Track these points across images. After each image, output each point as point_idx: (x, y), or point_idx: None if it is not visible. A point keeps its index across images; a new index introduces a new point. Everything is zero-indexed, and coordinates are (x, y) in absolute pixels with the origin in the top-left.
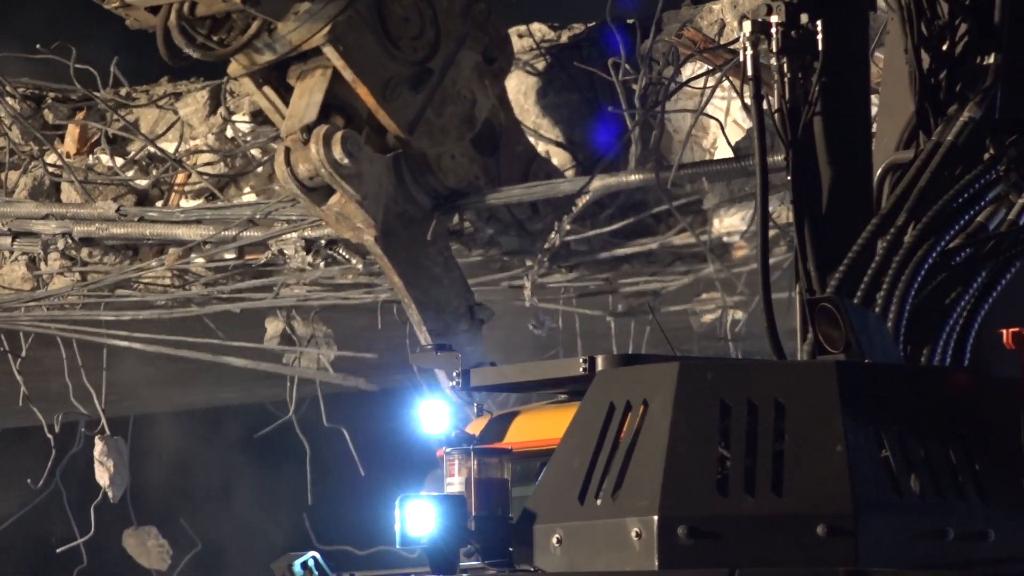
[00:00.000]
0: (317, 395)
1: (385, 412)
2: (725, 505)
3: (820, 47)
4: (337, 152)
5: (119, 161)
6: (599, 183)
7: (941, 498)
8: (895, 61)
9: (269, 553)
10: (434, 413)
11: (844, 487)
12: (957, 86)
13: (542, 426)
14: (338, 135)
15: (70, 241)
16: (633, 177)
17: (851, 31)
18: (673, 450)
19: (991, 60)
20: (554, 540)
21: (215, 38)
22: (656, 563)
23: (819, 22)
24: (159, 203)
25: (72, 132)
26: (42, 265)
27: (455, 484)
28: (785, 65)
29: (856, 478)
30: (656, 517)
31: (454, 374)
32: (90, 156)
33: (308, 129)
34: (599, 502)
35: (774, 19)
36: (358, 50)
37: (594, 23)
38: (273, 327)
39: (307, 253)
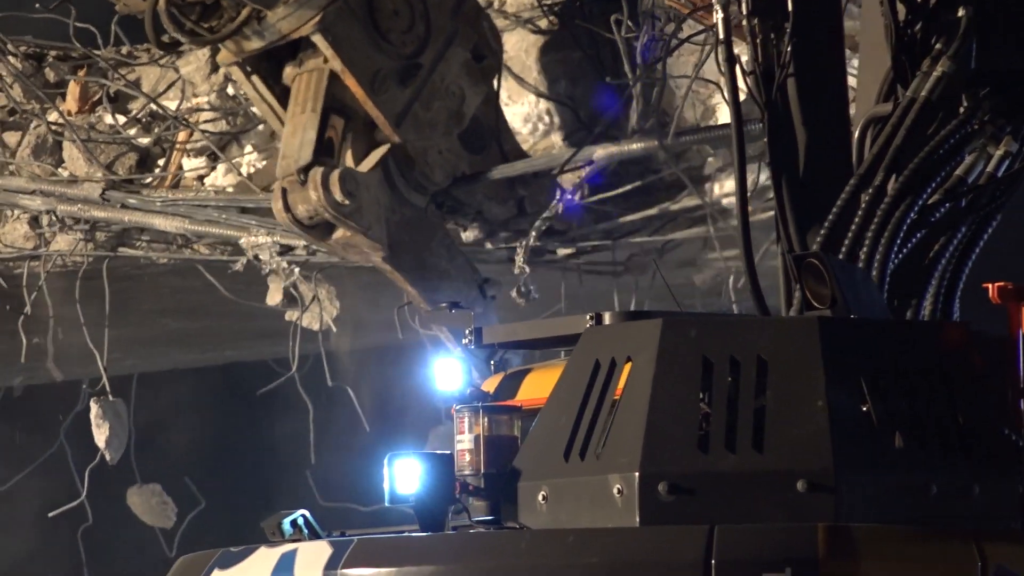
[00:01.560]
0: (320, 353)
1: (389, 370)
2: (706, 462)
3: (790, 7)
4: (337, 194)
5: (121, 119)
6: (602, 152)
7: (924, 453)
8: (872, 14)
9: (273, 511)
10: (448, 370)
11: (825, 443)
12: (931, 40)
13: (551, 383)
14: (335, 176)
15: (54, 217)
16: (635, 145)
17: None
18: (655, 407)
19: (963, 12)
20: (540, 497)
21: (204, 25)
22: (637, 519)
23: None
24: (161, 161)
25: (73, 90)
26: (44, 222)
27: (465, 441)
28: (756, 26)
29: (837, 434)
30: (637, 474)
31: (466, 332)
32: (92, 114)
33: (304, 171)
34: (583, 459)
35: None
36: (347, 41)
37: None
38: (275, 285)
39: (282, 258)
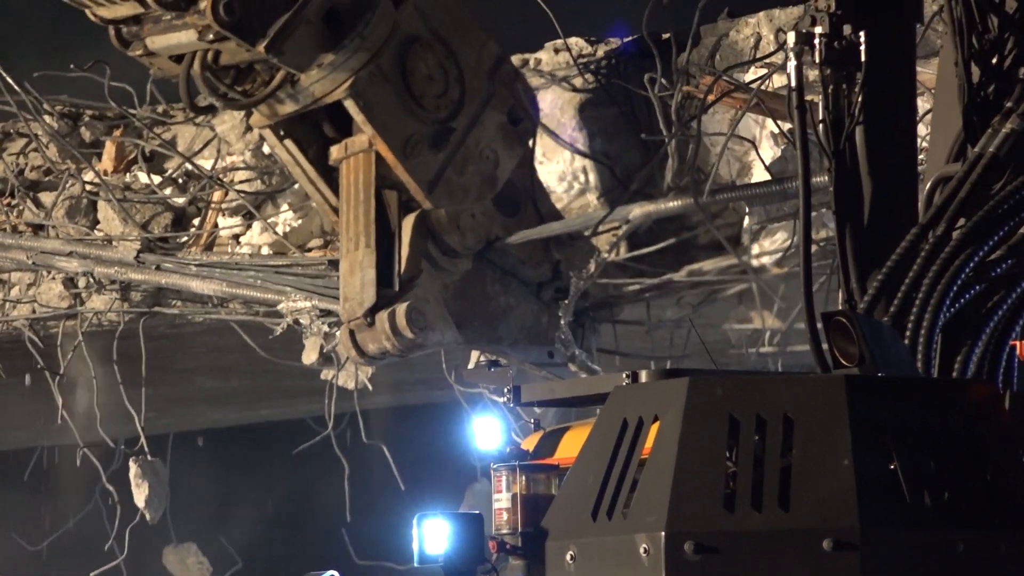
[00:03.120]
0: (356, 411)
1: (425, 428)
2: (732, 521)
3: (863, 58)
4: (407, 332)
5: (156, 179)
6: (638, 211)
7: (951, 512)
8: (947, 74)
9: (308, 569)
10: (487, 429)
11: (851, 501)
12: (1003, 99)
13: None
14: (401, 313)
15: (91, 280)
16: (671, 204)
17: (896, 42)
18: (682, 465)
19: None
20: (568, 557)
21: (239, 88)
22: None
23: (862, 33)
24: (196, 220)
25: (109, 150)
26: (80, 283)
27: (503, 500)
28: (828, 76)
29: (863, 492)
30: (663, 533)
31: (505, 389)
32: (127, 174)
33: (371, 312)
34: (610, 519)
35: (818, 30)
36: (379, 105)
37: (631, 38)
38: (311, 344)
39: (322, 320)
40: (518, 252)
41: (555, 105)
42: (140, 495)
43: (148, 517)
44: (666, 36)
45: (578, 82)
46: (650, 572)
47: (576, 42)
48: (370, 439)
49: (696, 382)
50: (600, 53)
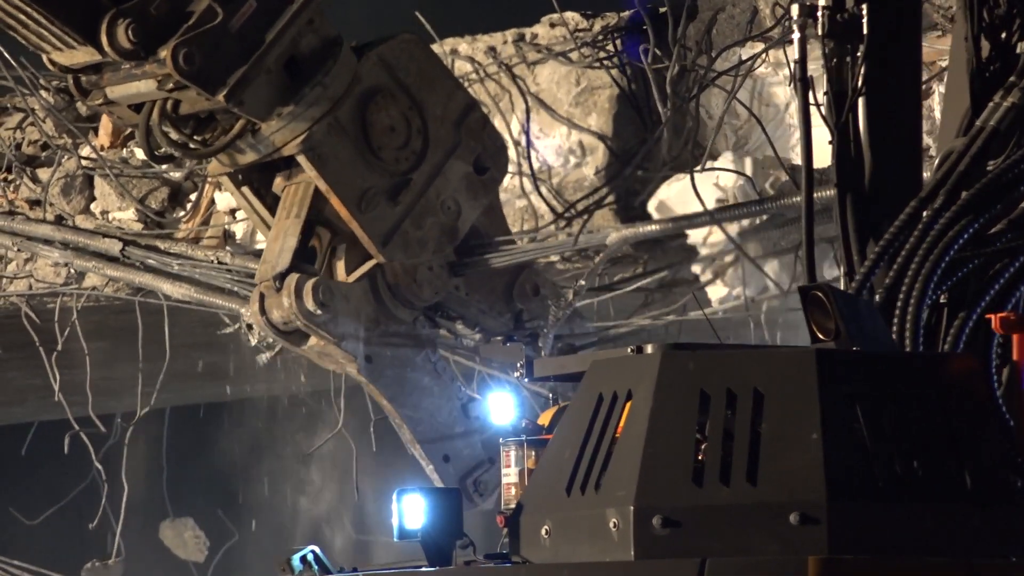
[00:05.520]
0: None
1: None
2: (700, 495)
3: (865, 31)
4: (309, 303)
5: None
6: (615, 235)
7: (920, 484)
8: (958, 50)
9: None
10: (501, 404)
11: (818, 475)
12: (1008, 74)
13: None
14: (309, 285)
15: (72, 271)
16: (651, 227)
17: (899, 16)
18: (652, 440)
19: None
20: (543, 531)
21: (198, 138)
22: (632, 554)
23: (864, 6)
24: (193, 195)
25: (105, 125)
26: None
27: (511, 475)
28: (831, 49)
29: (830, 466)
30: (632, 508)
31: (518, 364)
32: (124, 149)
33: (280, 277)
34: (583, 494)
35: (821, 3)
36: (334, 159)
37: (628, 11)
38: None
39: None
40: (478, 303)
41: (551, 80)
42: None
43: None
44: (663, 10)
45: (574, 56)
46: (619, 547)
47: (572, 16)
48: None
49: (668, 356)
50: (597, 27)
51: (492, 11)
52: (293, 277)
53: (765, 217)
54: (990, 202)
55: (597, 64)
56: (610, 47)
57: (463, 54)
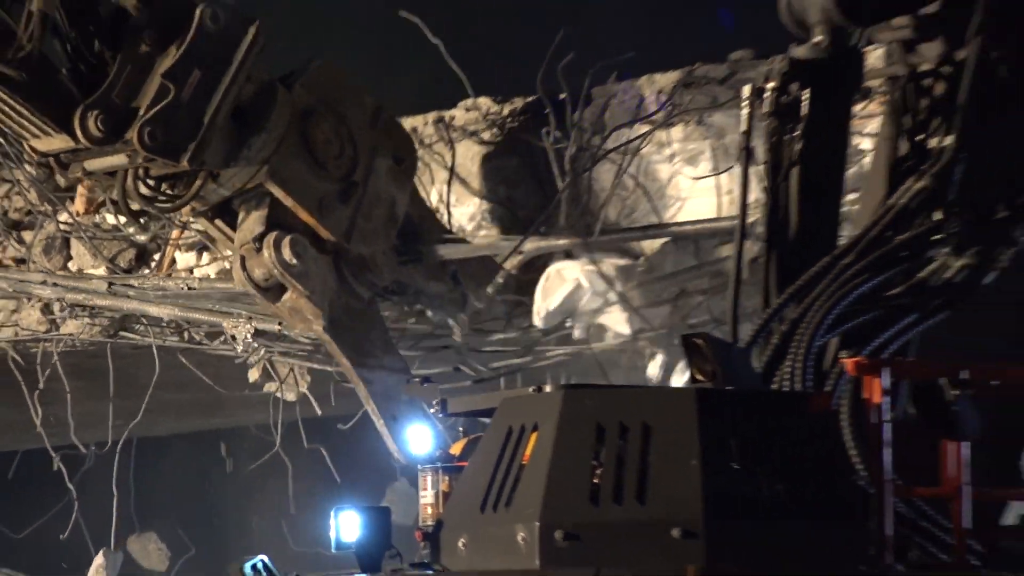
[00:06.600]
0: (297, 420)
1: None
2: (596, 513)
3: (803, 112)
4: (287, 254)
5: (122, 219)
6: (531, 245)
7: (786, 505)
8: (882, 145)
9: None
10: (418, 435)
11: (697, 496)
12: (921, 165)
13: None
14: (287, 239)
15: (65, 306)
16: (561, 241)
17: (834, 103)
18: (555, 466)
19: (947, 143)
20: (460, 544)
21: (169, 192)
22: (537, 563)
23: (806, 91)
24: (157, 255)
25: (81, 194)
26: (55, 309)
27: (428, 496)
28: (773, 125)
29: (707, 488)
30: (538, 523)
31: (434, 402)
32: (96, 215)
33: (260, 238)
34: (496, 511)
35: (770, 85)
36: (292, 179)
37: (532, 97)
38: (256, 367)
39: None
40: (422, 271)
41: (466, 156)
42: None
43: None
44: (563, 96)
45: (486, 135)
46: (526, 557)
47: (484, 101)
48: (310, 444)
49: (569, 394)
50: (505, 111)
51: (416, 96)
52: (271, 234)
53: (640, 270)
54: (890, 265)
55: (505, 142)
56: (518, 127)
57: None
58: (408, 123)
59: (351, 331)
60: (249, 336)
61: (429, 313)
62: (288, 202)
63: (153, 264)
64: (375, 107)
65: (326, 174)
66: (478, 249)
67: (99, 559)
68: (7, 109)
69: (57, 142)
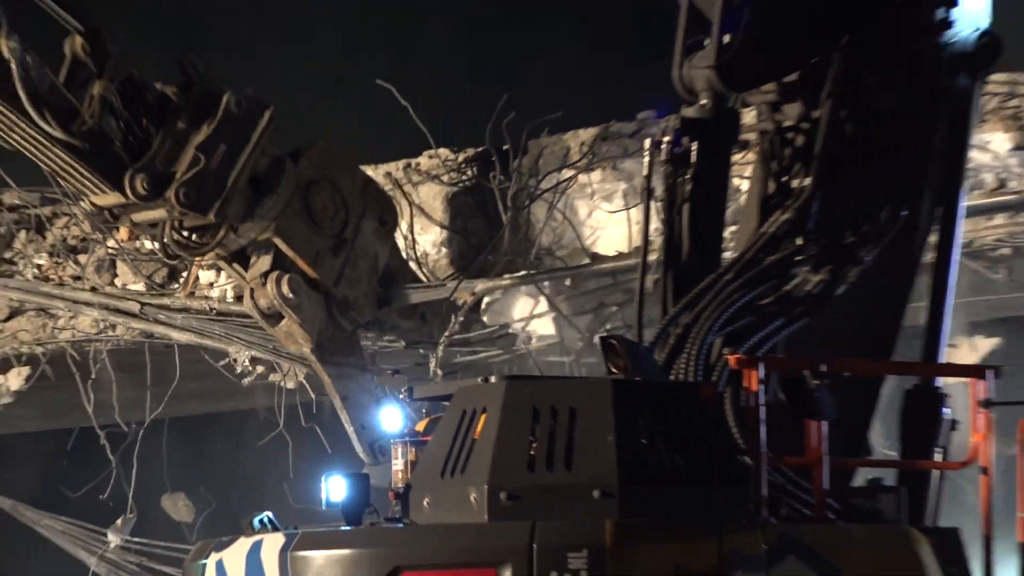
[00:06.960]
0: (297, 404)
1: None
2: (533, 478)
3: (692, 160)
4: (285, 289)
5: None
6: (481, 286)
7: (684, 472)
8: (754, 185)
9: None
10: (391, 415)
11: (612, 464)
12: (786, 201)
13: None
14: (286, 278)
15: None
16: (505, 280)
17: (717, 153)
18: (499, 441)
19: (806, 183)
20: (424, 502)
21: (198, 240)
22: (486, 517)
23: (694, 144)
24: (184, 273)
25: (125, 225)
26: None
27: (399, 464)
28: (668, 171)
29: (621, 458)
30: (486, 486)
31: (403, 389)
32: (137, 241)
33: (265, 275)
34: (453, 476)
35: (666, 139)
36: (294, 236)
37: (482, 148)
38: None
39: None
40: (396, 311)
41: (429, 195)
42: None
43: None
44: (506, 147)
45: (445, 178)
46: (477, 513)
47: (444, 151)
48: (306, 423)
49: (511, 384)
50: (460, 159)
51: (388, 145)
52: (274, 273)
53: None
54: (762, 281)
55: (461, 183)
56: (470, 172)
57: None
58: (383, 168)
59: (333, 355)
60: (247, 361)
61: (401, 343)
62: (290, 253)
63: (182, 280)
64: (365, 179)
65: (322, 232)
66: (441, 292)
67: (119, 521)
68: (71, 170)
69: (110, 198)
